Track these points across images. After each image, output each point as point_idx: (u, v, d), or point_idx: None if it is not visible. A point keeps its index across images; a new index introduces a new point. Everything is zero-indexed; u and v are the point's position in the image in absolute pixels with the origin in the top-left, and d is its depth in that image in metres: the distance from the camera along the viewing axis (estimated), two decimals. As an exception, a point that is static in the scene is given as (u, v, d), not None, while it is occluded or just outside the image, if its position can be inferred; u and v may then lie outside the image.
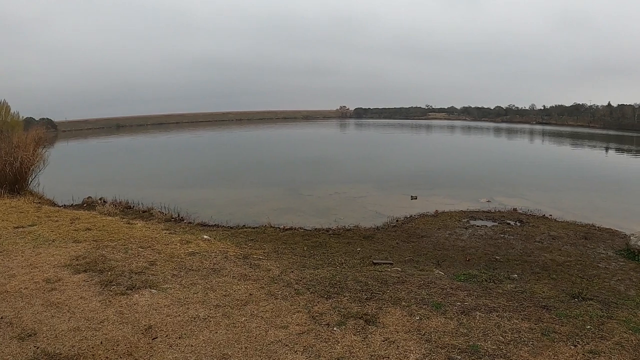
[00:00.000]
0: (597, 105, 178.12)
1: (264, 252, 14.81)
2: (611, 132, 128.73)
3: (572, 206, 29.30)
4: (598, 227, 23.24)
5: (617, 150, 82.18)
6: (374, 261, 14.69)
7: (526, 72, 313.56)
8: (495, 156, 63.25)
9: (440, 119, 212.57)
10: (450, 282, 12.91)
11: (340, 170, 44.92)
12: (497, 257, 17.38)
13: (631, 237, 17.64)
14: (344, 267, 13.88)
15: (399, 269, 13.89)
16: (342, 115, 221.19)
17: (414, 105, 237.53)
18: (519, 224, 23.57)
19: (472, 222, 23.66)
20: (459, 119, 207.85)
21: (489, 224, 23.54)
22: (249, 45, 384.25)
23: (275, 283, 10.57)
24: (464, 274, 14.33)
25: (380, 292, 10.34)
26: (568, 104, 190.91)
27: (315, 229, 20.38)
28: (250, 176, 41.17)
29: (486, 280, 13.75)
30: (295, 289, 10.21)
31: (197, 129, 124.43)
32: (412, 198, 30.13)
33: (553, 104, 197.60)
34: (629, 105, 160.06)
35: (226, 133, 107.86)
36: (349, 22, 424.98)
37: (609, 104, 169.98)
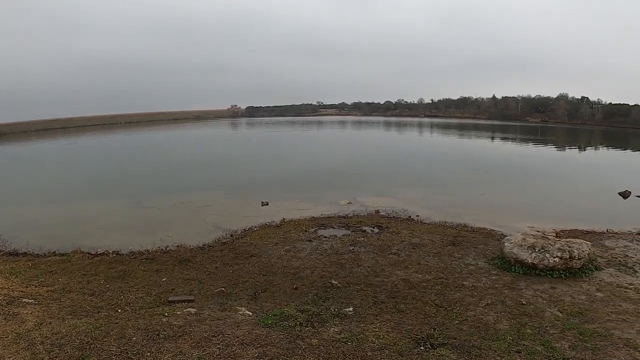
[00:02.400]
0: (483, 98, 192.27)
1: (48, 291, 13.84)
2: (496, 123, 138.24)
3: (446, 202, 27.17)
4: (471, 227, 20.80)
5: (502, 139, 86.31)
6: (170, 299, 12.94)
7: (415, 68, 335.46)
8: (377, 151, 62.63)
9: (332, 114, 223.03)
10: (251, 329, 9.98)
11: (200, 175, 41.49)
12: (334, 281, 14.26)
13: (506, 243, 14.50)
14: (126, 311, 11.85)
15: (195, 310, 11.60)
16: (234, 114, 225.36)
17: (306, 102, 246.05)
18: (376, 231, 20.54)
19: (320, 232, 20.73)
20: (350, 115, 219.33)
21: (341, 232, 20.68)
22: (142, 44, 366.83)
23: (16, 343, 9.22)
24: (275, 315, 11.04)
25: (139, 355, 8.60)
26: (455, 97, 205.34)
27: (131, 252, 18.62)
28: (98, 188, 36.81)
29: (303, 324, 10.54)
30: (31, 354, 8.73)
31: (84, 134, 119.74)
32: (263, 204, 27.54)
33: (441, 98, 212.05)
34: (513, 97, 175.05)
35: (106, 138, 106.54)
36: (245, 21, 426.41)
37: (494, 97, 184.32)
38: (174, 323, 10.30)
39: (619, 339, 9.92)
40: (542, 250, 13.73)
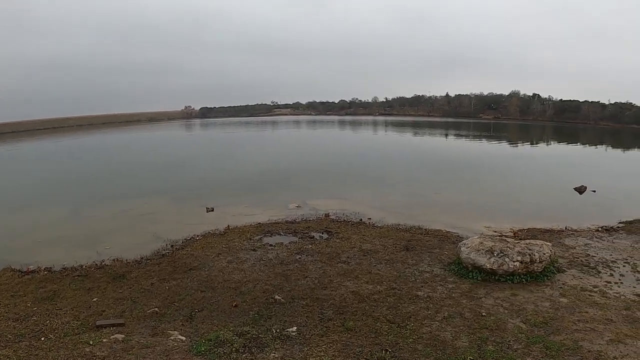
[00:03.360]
0: (436, 96, 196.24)
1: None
2: (450, 120, 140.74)
3: (400, 203, 26.35)
4: (425, 229, 19.96)
5: (456, 136, 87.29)
6: (98, 323, 12.06)
7: (369, 67, 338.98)
8: (330, 150, 61.61)
9: (286, 114, 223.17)
10: (182, 358, 9.36)
11: (147, 180, 39.23)
12: (278, 296, 13.11)
13: (462, 248, 13.62)
14: (49, 339, 10.92)
15: (124, 336, 10.70)
16: (188, 115, 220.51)
17: (260, 102, 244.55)
18: (325, 237, 19.45)
19: (265, 240, 19.45)
20: (305, 114, 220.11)
21: (288, 239, 19.48)
22: (92, 45, 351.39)
23: None
24: (209, 340, 10.20)
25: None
26: (409, 95, 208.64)
27: (63, 268, 17.20)
28: (36, 197, 33.96)
29: (240, 350, 9.74)
30: None
31: (31, 138, 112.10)
32: (208, 210, 26.11)
33: (395, 96, 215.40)
34: (466, 95, 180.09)
35: (54, 142, 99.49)
36: (197, 20, 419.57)
37: (447, 95, 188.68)
38: (98, 354, 9.53)
39: (589, 351, 9.23)
40: (501, 254, 12.93)
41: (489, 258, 12.96)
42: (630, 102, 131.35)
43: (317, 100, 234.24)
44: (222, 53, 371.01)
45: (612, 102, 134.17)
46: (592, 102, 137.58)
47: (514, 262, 12.77)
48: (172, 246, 19.17)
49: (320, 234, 19.92)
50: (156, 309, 12.75)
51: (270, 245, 18.61)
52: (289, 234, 20.25)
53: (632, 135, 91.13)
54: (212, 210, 25.90)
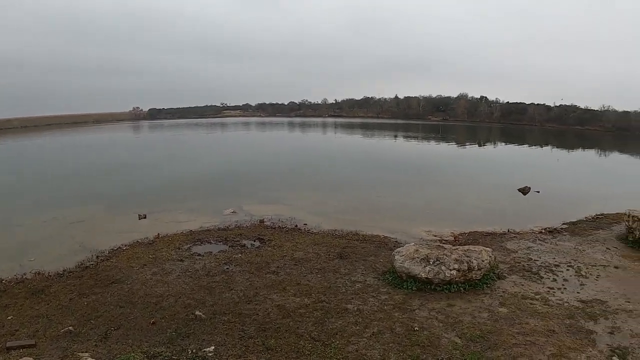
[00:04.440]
0: (386, 98, 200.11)
1: None
2: (399, 122, 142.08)
3: (339, 208, 25.49)
4: (362, 235, 19.13)
5: (405, 137, 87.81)
6: (8, 344, 11.38)
7: (319, 69, 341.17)
8: (275, 152, 60.47)
9: (236, 116, 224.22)
10: None
11: (83, 185, 36.76)
12: (199, 311, 12.19)
13: (396, 257, 12.75)
14: None
15: (32, 359, 10.24)
16: (136, 117, 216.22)
17: (210, 104, 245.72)
18: (257, 245, 18.40)
19: (195, 249, 18.29)
20: (254, 116, 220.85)
21: (217, 248, 18.34)
22: (35, 43, 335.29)
23: None
24: None
25: None
26: (358, 97, 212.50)
27: None
28: None
29: None
30: None
31: None
32: (141, 217, 24.72)
33: (344, 98, 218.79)
34: (415, 97, 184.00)
35: None
36: (149, 19, 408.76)
37: (396, 96, 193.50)
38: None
39: (529, 370, 8.41)
40: (438, 262, 12.12)
41: (425, 267, 12.12)
42: (575, 104, 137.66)
43: (267, 102, 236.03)
44: (171, 53, 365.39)
45: (558, 104, 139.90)
46: (538, 104, 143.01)
47: (450, 270, 11.99)
48: (97, 257, 17.93)
49: (252, 242, 18.83)
50: (71, 327, 11.91)
51: (199, 255, 17.44)
52: (220, 242, 19.07)
53: (576, 137, 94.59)
54: (145, 218, 24.38)
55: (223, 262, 16.28)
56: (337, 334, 10.27)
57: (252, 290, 13.41)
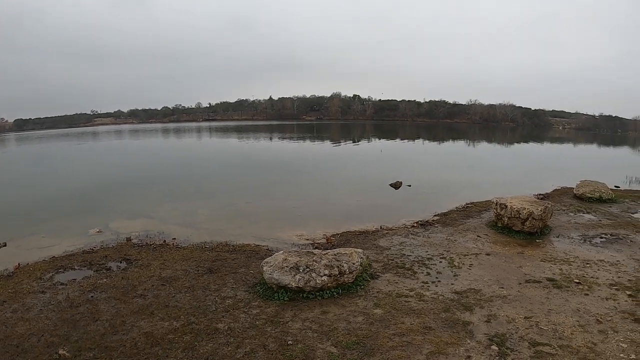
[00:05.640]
0: (260, 100, 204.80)
1: None
2: (274, 123, 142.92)
3: (209, 217, 24.43)
4: (232, 245, 18.37)
5: (280, 138, 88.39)
6: None
7: (193, 72, 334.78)
8: (145, 161, 57.48)
9: (108, 124, 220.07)
10: None
11: None
12: (62, 350, 10.61)
13: (265, 267, 12.17)
14: None
15: None
16: (0, 129, 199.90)
17: (80, 112, 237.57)
18: (123, 266, 16.86)
19: (57, 277, 16.22)
20: (127, 123, 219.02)
21: (82, 274, 16.46)
22: None
23: None
24: None
25: None
26: (233, 100, 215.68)
27: None
28: None
29: None
30: None
31: None
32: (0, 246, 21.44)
33: (219, 101, 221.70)
34: (289, 97, 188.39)
35: None
36: (12, 18, 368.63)
37: (270, 98, 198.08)
38: None
39: (406, 372, 8.23)
40: (308, 269, 11.71)
41: (294, 275, 11.64)
42: (444, 99, 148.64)
43: (140, 108, 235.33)
44: (38, 57, 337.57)
45: (427, 100, 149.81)
46: (409, 100, 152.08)
47: (321, 277, 11.63)
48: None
49: (119, 264, 17.20)
50: None
51: (62, 283, 15.43)
52: (85, 266, 17.12)
53: (445, 129, 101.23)
54: (5, 246, 21.53)
55: (88, 289, 14.64)
56: (208, 356, 9.52)
57: (119, 319, 12.12)
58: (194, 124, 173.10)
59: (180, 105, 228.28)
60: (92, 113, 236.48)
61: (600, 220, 21.60)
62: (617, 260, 15.45)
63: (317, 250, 13.61)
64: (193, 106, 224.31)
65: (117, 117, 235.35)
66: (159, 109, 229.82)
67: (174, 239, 20.19)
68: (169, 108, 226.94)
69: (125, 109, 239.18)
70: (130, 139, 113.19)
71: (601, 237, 18.52)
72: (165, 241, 19.94)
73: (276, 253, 13.21)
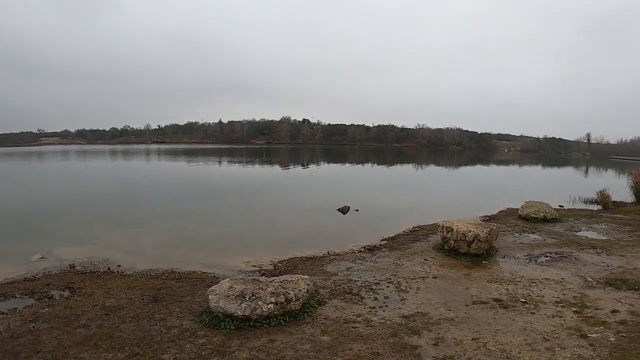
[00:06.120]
0: (210, 123, 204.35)
1: None
2: (223, 146, 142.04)
3: (156, 243, 23.81)
4: (178, 273, 17.96)
5: (229, 162, 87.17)
6: None
7: (142, 93, 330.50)
8: (91, 184, 55.38)
9: (54, 143, 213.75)
10: None
11: None
12: None
13: (210, 296, 12.03)
14: None
15: None
16: None
17: (25, 130, 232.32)
18: (66, 295, 16.16)
19: None
20: (74, 143, 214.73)
21: (23, 303, 15.86)
22: None
23: None
24: None
25: None
26: (182, 122, 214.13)
27: None
28: None
29: None
30: None
31: None
32: None
33: (168, 123, 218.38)
34: (238, 121, 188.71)
35: None
36: None
37: (220, 121, 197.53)
38: None
39: (351, 403, 8.26)
40: (254, 297, 11.63)
41: (240, 303, 11.54)
42: (392, 124, 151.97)
43: (87, 128, 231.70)
44: None
45: (376, 124, 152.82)
46: (357, 125, 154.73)
47: (268, 305, 11.57)
48: None
49: (62, 292, 16.51)
50: None
51: (2, 313, 14.69)
52: (26, 295, 16.34)
53: (393, 153, 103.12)
54: None
55: (29, 319, 13.97)
56: (150, 393, 9.28)
57: (62, 351, 11.59)
58: (142, 146, 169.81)
59: (128, 126, 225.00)
60: (38, 132, 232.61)
61: (545, 240, 22.47)
62: (562, 278, 16.05)
63: (263, 277, 13.53)
64: (142, 128, 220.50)
65: (64, 137, 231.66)
66: (107, 129, 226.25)
67: (119, 266, 19.63)
68: (117, 129, 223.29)
69: (72, 129, 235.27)
70: (77, 161, 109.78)
71: (546, 256, 19.24)
72: (109, 268, 19.36)
73: (222, 281, 13.05)
